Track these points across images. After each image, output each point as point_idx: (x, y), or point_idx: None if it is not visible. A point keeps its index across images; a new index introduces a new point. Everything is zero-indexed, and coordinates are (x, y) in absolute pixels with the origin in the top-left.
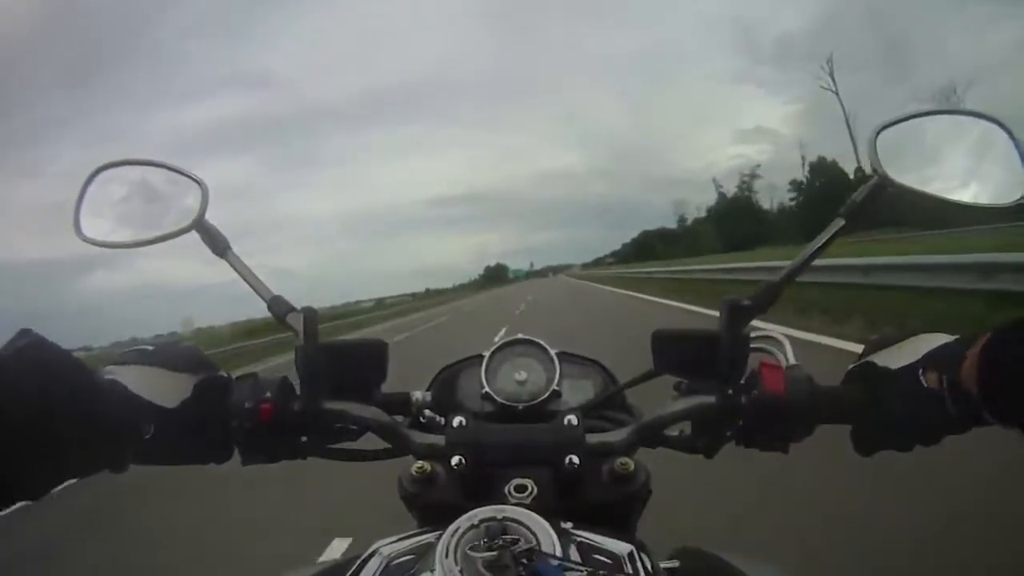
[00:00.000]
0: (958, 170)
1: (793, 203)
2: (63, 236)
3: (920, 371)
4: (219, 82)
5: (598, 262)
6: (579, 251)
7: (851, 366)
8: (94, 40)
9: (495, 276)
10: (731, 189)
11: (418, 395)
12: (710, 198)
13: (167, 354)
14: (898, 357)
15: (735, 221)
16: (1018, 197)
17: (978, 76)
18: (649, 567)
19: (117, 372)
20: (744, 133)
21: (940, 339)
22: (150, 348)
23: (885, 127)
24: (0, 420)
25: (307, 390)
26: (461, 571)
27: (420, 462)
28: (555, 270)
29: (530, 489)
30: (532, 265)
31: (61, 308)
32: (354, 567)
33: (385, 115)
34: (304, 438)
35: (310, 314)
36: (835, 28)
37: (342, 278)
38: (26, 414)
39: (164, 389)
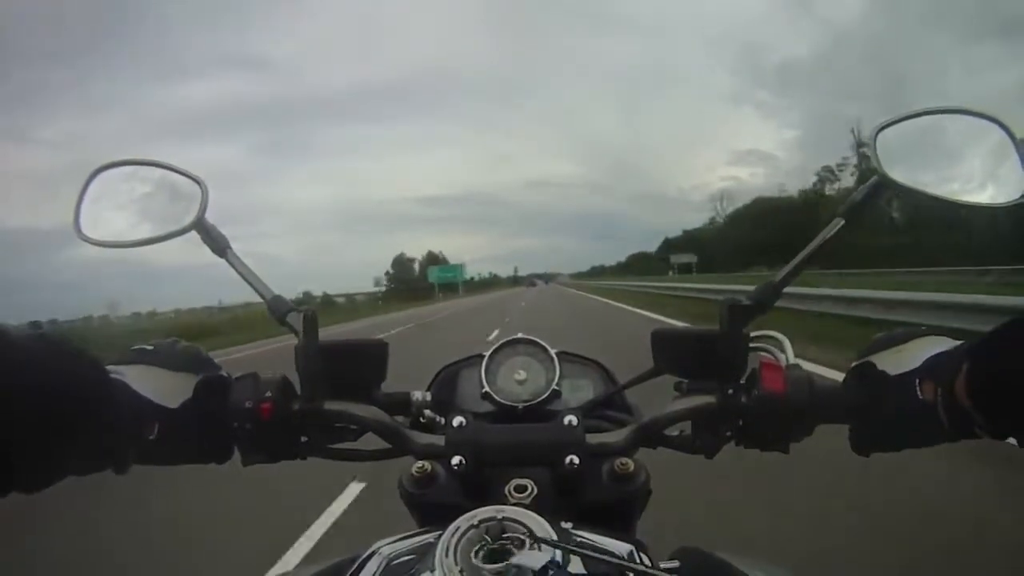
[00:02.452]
0: (958, 169)
1: None
2: (46, 205)
3: (917, 381)
4: (217, 61)
5: (598, 272)
6: (566, 261)
7: (853, 364)
8: (95, 11)
9: (408, 280)
10: (723, 209)
11: (418, 395)
12: (702, 217)
13: (167, 354)
14: (898, 362)
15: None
16: (1017, 196)
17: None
18: (649, 567)
19: (120, 372)
20: (739, 154)
21: (941, 344)
22: (150, 348)
23: (885, 126)
24: (6, 408)
25: (307, 390)
26: (461, 571)
27: (420, 462)
28: (547, 278)
29: (530, 489)
30: (516, 271)
31: (23, 280)
32: (354, 567)
33: (380, 109)
34: (304, 438)
35: (310, 314)
36: (838, 59)
37: (331, 269)
38: (34, 406)
39: (166, 389)
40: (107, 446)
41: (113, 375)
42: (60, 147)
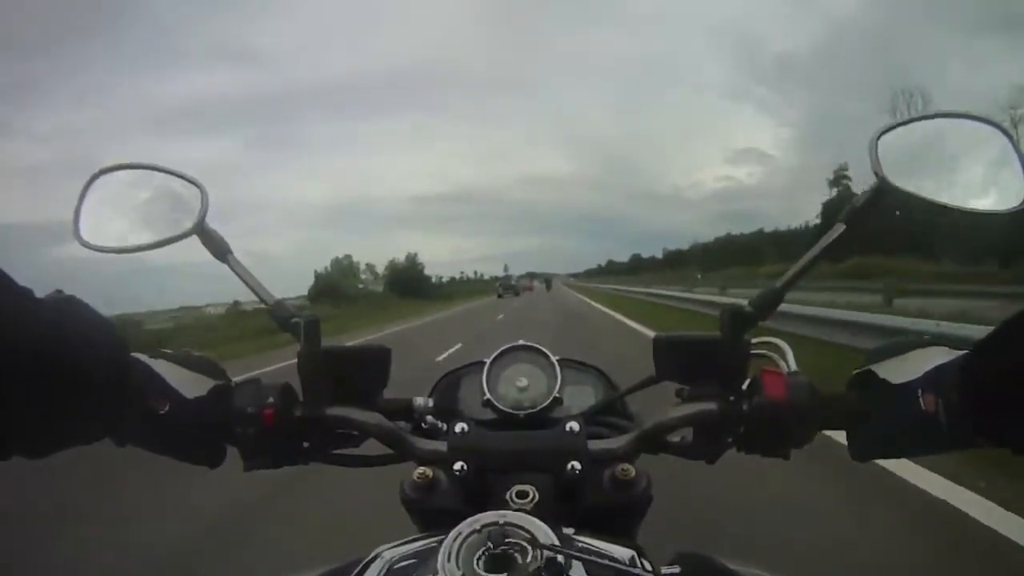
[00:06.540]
0: (958, 174)
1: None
2: (37, 200)
3: (918, 391)
4: (210, 54)
5: (633, 267)
6: (561, 260)
7: (855, 372)
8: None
9: None
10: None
11: (420, 401)
12: (698, 217)
13: (186, 357)
14: (899, 371)
15: None
16: (1018, 203)
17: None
18: (650, 572)
19: (141, 358)
20: (735, 153)
21: (942, 355)
22: (169, 351)
23: (886, 131)
24: (21, 371)
25: (309, 396)
26: None
27: (422, 468)
28: (547, 279)
29: (531, 495)
30: (506, 269)
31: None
32: (356, 571)
33: (376, 104)
34: (306, 443)
35: (312, 320)
36: (838, 54)
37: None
38: (48, 369)
39: (183, 382)
40: (114, 412)
41: (133, 356)
42: (50, 140)
